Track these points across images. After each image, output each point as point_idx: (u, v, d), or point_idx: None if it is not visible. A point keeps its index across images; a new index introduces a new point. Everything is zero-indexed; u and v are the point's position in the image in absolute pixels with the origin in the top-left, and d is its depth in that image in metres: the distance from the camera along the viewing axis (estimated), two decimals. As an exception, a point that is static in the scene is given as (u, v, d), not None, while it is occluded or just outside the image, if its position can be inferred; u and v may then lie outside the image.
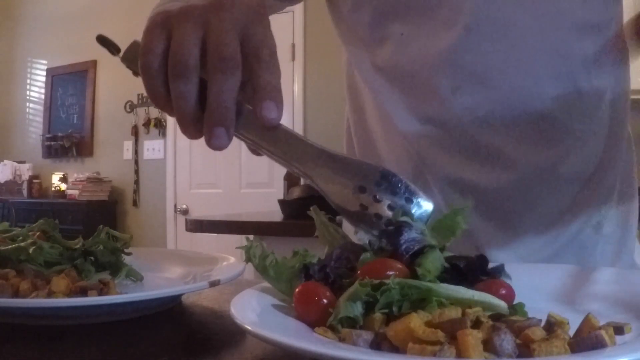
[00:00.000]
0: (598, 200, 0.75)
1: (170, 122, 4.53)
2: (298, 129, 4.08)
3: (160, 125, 4.55)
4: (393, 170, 0.47)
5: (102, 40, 0.55)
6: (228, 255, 0.70)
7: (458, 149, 0.72)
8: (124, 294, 0.55)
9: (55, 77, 5.10)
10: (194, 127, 0.45)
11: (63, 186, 4.84)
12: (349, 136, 0.89)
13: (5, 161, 5.09)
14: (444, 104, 0.70)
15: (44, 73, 5.18)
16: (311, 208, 0.54)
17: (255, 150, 0.48)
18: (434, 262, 0.42)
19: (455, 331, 0.33)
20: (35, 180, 4.96)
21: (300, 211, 1.96)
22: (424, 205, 0.45)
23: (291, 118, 4.13)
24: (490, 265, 0.45)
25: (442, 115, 0.72)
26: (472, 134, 0.71)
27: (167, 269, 0.71)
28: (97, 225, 0.70)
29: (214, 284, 0.55)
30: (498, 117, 0.69)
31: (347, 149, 0.88)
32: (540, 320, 0.36)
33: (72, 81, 5.01)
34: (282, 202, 2.11)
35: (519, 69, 0.68)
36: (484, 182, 0.71)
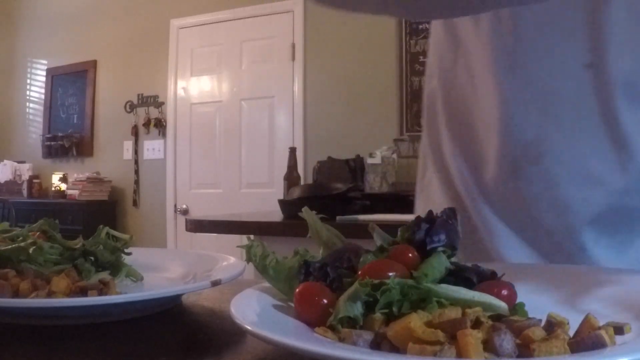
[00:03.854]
0: None
1: (170, 122, 4.53)
2: (298, 129, 4.09)
3: (160, 125, 4.55)
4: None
5: None
6: (228, 255, 0.70)
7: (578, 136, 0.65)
8: (124, 294, 0.55)
9: (55, 77, 5.10)
10: None
11: (63, 186, 4.84)
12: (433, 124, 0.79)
13: (5, 161, 5.09)
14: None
15: (44, 73, 5.18)
16: (303, 209, 0.54)
17: None
18: (437, 266, 0.42)
19: (455, 331, 0.33)
20: (35, 180, 4.96)
21: (301, 211, 1.95)
22: None
23: (291, 118, 4.14)
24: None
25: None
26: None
27: (167, 269, 0.71)
28: (97, 225, 0.70)
29: (215, 283, 0.55)
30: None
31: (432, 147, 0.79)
32: (540, 320, 0.36)
33: (72, 81, 5.01)
34: (282, 202, 2.11)
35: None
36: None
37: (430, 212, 0.47)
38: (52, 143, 4.96)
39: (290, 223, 1.86)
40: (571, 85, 0.62)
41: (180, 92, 4.52)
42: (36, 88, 5.25)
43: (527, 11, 0.61)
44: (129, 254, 0.68)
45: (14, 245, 0.62)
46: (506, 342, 0.33)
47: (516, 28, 0.63)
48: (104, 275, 0.63)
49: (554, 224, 0.65)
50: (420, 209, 0.82)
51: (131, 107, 4.68)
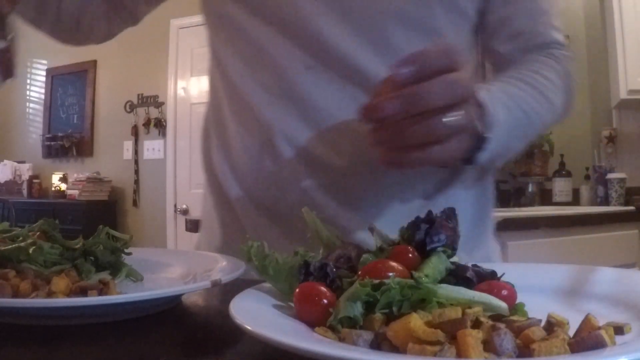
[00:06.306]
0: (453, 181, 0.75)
1: (170, 122, 4.53)
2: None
3: (160, 125, 4.55)
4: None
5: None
6: (228, 255, 0.70)
7: (309, 125, 0.74)
8: (124, 294, 0.55)
9: (55, 77, 5.10)
10: None
11: (63, 186, 4.84)
12: (206, 138, 0.91)
13: (5, 161, 5.09)
14: (295, 79, 0.74)
15: (44, 73, 5.18)
16: (303, 209, 0.54)
17: None
18: (437, 266, 0.42)
19: (455, 331, 0.33)
20: (35, 180, 4.96)
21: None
22: None
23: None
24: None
25: (293, 91, 0.74)
26: (325, 110, 0.73)
27: (167, 269, 0.71)
28: (97, 225, 0.70)
29: (215, 283, 0.55)
30: (348, 94, 0.72)
31: (203, 155, 0.90)
32: (540, 320, 0.36)
33: (72, 81, 5.01)
34: (282, 202, 2.11)
35: (374, 54, 0.71)
36: (334, 160, 0.73)
37: (430, 212, 0.47)
38: (52, 143, 4.96)
39: (290, 223, 1.86)
40: (297, 81, 0.74)
41: (180, 92, 4.52)
42: (36, 88, 5.25)
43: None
44: (129, 254, 0.68)
45: (14, 245, 0.62)
46: (506, 342, 0.33)
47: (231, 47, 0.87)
48: (104, 275, 0.63)
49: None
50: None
51: (131, 107, 4.68)
